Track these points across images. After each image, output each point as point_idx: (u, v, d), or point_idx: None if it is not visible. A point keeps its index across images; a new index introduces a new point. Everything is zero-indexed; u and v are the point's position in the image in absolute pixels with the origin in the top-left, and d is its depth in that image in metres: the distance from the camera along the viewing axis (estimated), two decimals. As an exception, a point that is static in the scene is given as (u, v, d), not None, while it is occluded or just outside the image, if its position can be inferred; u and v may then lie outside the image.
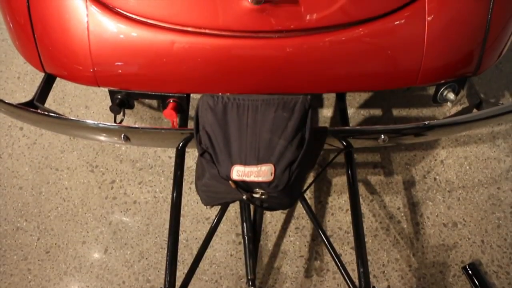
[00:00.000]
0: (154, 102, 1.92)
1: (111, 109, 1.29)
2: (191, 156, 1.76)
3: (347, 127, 1.31)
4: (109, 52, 1.17)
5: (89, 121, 1.16)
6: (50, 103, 1.94)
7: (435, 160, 1.76)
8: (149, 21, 1.13)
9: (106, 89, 1.29)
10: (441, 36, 1.16)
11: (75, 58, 1.20)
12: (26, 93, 2.03)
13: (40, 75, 1.33)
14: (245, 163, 0.98)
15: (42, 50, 1.25)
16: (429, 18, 1.14)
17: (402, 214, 1.64)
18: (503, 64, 2.01)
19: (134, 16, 1.14)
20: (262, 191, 0.98)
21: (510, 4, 1.21)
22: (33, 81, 2.07)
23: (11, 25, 1.28)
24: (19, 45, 1.31)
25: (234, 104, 1.03)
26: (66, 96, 1.99)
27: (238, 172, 0.96)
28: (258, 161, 0.97)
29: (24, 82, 2.08)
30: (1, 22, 2.34)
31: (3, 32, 2.30)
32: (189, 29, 1.12)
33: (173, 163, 1.31)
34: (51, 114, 1.20)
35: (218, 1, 1.09)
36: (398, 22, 1.14)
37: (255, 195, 0.99)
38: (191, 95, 1.53)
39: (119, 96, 1.27)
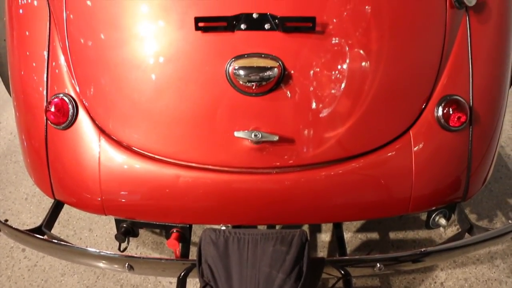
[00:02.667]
0: (156, 226, 1.97)
1: (116, 237, 1.34)
2: (191, 282, 1.75)
3: (343, 257, 1.35)
4: (117, 183, 1.26)
5: (92, 250, 1.20)
6: (54, 225, 1.98)
7: (435, 282, 1.75)
8: (156, 156, 1.23)
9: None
10: (427, 165, 1.26)
11: (85, 187, 1.28)
12: (32, 215, 2.09)
13: (47, 198, 1.39)
14: (246, 296, 1.00)
15: (54, 178, 1.33)
16: (415, 149, 1.24)
17: None
18: (492, 184, 2.10)
19: (142, 152, 1.24)
20: (262, 323, 1.00)
21: (488, 136, 1.32)
22: (39, 203, 2.14)
23: (26, 150, 1.38)
24: (32, 171, 1.40)
25: (235, 238, 1.08)
26: (70, 219, 2.04)
27: (239, 306, 0.99)
28: (258, 294, 1.00)
29: (31, 203, 2.14)
30: (15, 145, 2.49)
31: (16, 155, 2.42)
32: (193, 164, 1.21)
33: (174, 289, 1.32)
34: (58, 242, 1.25)
35: (220, 139, 1.19)
36: (387, 155, 1.24)
37: (255, 328, 1.01)
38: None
39: (124, 225, 1.33)
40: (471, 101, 1.27)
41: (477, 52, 1.30)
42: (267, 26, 1.14)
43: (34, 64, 1.34)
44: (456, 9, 1.27)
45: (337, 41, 1.17)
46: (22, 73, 1.36)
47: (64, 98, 1.28)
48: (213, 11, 1.17)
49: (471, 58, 1.29)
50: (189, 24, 1.14)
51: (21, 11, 1.41)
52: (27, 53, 1.36)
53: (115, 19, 1.24)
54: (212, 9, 1.18)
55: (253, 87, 1.14)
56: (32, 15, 1.38)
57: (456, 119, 1.24)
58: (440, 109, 1.24)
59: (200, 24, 1.13)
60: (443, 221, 1.37)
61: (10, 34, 1.41)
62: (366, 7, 1.20)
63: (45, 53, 1.32)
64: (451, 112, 1.23)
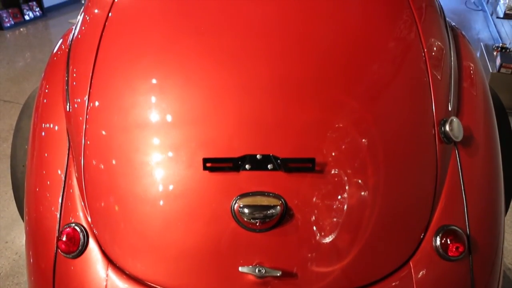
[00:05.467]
0: None
1: None
2: None
3: None
4: None
5: None
6: None
7: None
8: None
9: None
10: None
11: None
12: None
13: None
14: None
15: None
16: (416, 280, 1.26)
17: None
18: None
19: (149, 283, 1.26)
20: None
21: (489, 263, 1.34)
22: (38, 329, 2.08)
23: (32, 274, 1.39)
24: None
25: None
26: None
27: None
28: None
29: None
30: (19, 266, 2.48)
31: (18, 276, 2.41)
32: None
33: None
34: None
35: (225, 274, 1.22)
36: (389, 286, 1.25)
37: None
38: None
39: None
40: (468, 230, 1.32)
41: (469, 182, 1.38)
42: (270, 166, 1.24)
43: (48, 183, 1.42)
44: (445, 143, 1.37)
45: (336, 179, 1.26)
46: (37, 189, 1.43)
47: (76, 228, 1.33)
48: (219, 153, 1.27)
49: (464, 188, 1.36)
50: (197, 164, 1.24)
51: (43, 133, 1.54)
52: (44, 171, 1.45)
53: (128, 154, 1.35)
54: (219, 150, 1.28)
55: (257, 224, 1.20)
56: (52, 139, 1.51)
57: (454, 249, 1.27)
58: (438, 239, 1.29)
59: (208, 165, 1.23)
60: None
61: (31, 154, 1.52)
62: (362, 146, 1.31)
63: (62, 176, 1.41)
64: (449, 242, 1.27)
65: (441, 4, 1.84)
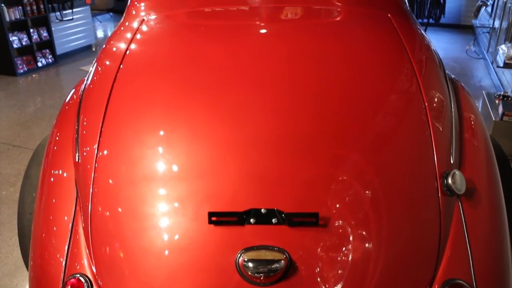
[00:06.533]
0: None
1: None
2: None
3: None
4: None
5: None
6: None
7: None
8: None
9: None
10: None
11: None
12: None
13: None
14: None
15: None
16: None
17: None
18: None
19: None
20: None
21: None
22: None
23: None
24: None
25: None
26: None
27: None
28: None
29: None
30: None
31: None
32: None
33: None
34: None
35: None
36: None
37: None
38: None
39: None
40: (474, 283, 1.30)
41: (474, 234, 1.37)
42: (274, 220, 1.25)
43: (55, 229, 1.43)
44: (448, 196, 1.38)
45: (339, 233, 1.27)
46: (43, 236, 1.44)
47: (81, 278, 1.33)
48: (225, 207, 1.29)
49: (468, 241, 1.36)
50: (203, 217, 1.26)
51: (52, 180, 1.56)
52: (51, 218, 1.46)
53: (135, 206, 1.36)
54: (224, 204, 1.30)
55: (261, 278, 1.20)
56: (61, 186, 1.53)
57: (461, 304, 1.26)
58: None
59: (213, 218, 1.25)
60: None
61: (39, 200, 1.54)
62: (365, 200, 1.33)
63: (69, 224, 1.42)
64: None
65: (443, 53, 1.90)
